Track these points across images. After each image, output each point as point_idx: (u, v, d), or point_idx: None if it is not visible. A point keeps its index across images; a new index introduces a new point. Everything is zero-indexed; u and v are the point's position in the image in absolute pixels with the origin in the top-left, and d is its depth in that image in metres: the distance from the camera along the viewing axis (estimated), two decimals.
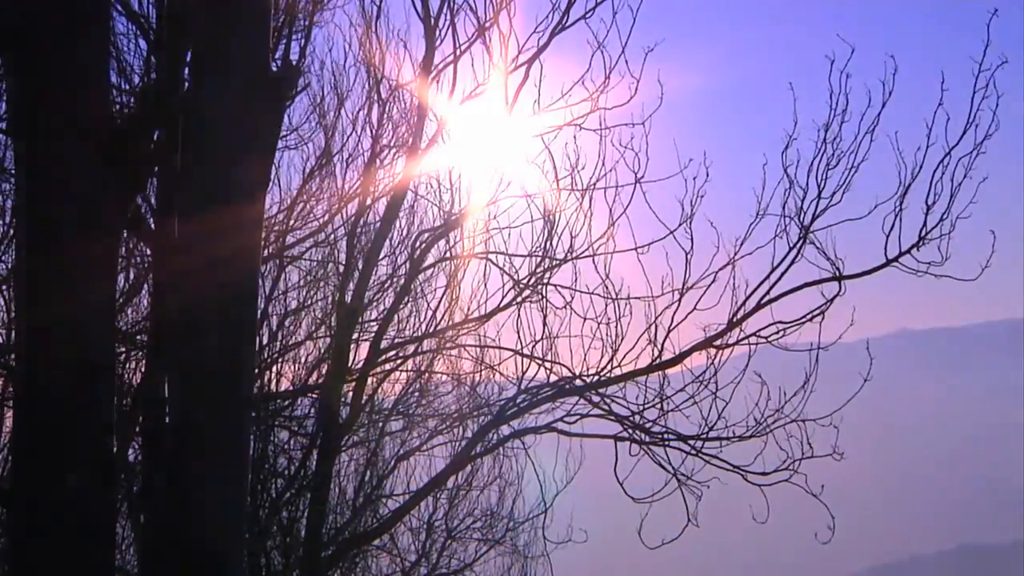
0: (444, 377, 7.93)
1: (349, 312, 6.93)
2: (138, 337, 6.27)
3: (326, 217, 7.63)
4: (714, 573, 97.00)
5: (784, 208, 6.32)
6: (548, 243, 6.90)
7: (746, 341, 6.43)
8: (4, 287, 6.11)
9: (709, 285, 6.42)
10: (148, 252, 6.07)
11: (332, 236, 7.67)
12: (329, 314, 7.69)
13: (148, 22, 5.71)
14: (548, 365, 6.93)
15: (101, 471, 3.57)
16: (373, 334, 7.14)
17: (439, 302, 7.35)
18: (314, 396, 7.65)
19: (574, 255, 6.80)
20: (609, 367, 6.64)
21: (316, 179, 7.57)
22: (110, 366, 3.82)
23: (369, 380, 7.21)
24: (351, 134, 7.45)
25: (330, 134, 7.50)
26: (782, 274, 6.36)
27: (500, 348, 7.29)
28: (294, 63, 4.15)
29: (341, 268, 7.39)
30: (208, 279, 3.58)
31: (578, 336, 6.72)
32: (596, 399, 6.70)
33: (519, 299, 7.03)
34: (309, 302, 7.83)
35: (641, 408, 6.59)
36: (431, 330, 7.40)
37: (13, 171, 4.16)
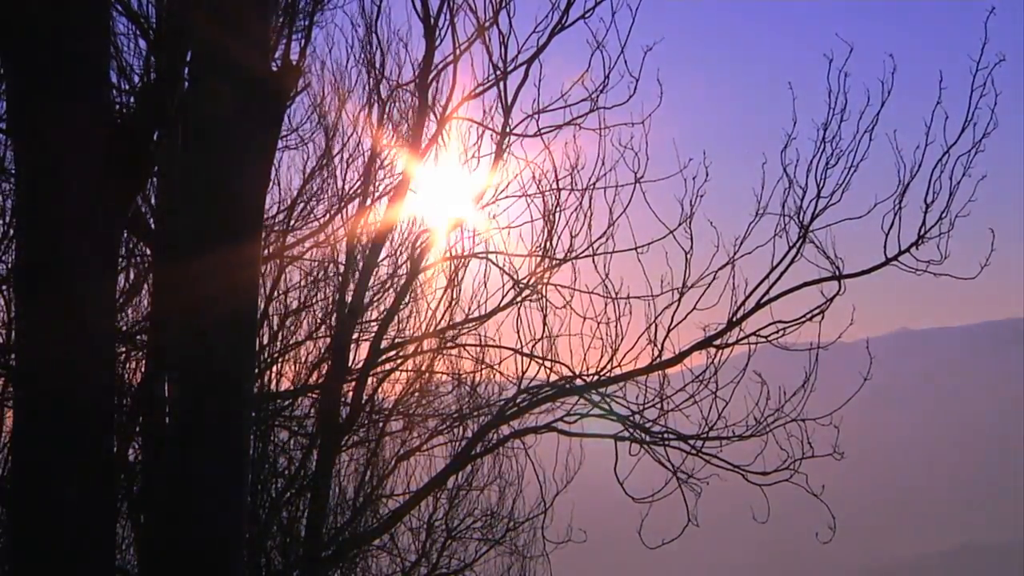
0: (444, 377, 7.93)
1: (349, 312, 6.93)
2: (138, 337, 6.27)
3: (326, 217, 7.64)
4: (714, 573, 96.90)
5: (783, 207, 6.34)
6: (548, 243, 6.90)
7: (746, 341, 6.44)
8: (4, 287, 6.11)
9: (709, 285, 6.43)
10: (148, 252, 6.07)
11: (332, 236, 7.67)
12: (329, 314, 7.69)
13: (148, 22, 5.71)
14: (548, 365, 6.93)
15: (101, 471, 3.58)
16: (373, 334, 7.14)
17: (439, 302, 7.35)
18: (314, 396, 7.64)
19: (574, 255, 6.80)
20: (609, 367, 6.64)
21: (316, 179, 7.58)
22: (110, 366, 3.82)
23: (369, 380, 7.21)
24: (352, 134, 7.47)
25: (331, 134, 7.50)
26: (782, 273, 6.36)
27: (500, 348, 7.29)
28: (294, 63, 4.15)
29: (341, 268, 7.39)
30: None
31: (578, 336, 6.73)
32: (596, 399, 6.70)
33: (519, 299, 7.03)
34: (309, 302, 7.83)
35: (641, 408, 6.59)
36: (431, 330, 7.39)
37: (13, 171, 4.16)
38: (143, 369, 5.98)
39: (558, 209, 6.84)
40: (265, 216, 6.35)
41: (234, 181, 3.66)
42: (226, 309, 3.62)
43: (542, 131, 6.72)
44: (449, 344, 7.61)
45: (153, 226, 5.58)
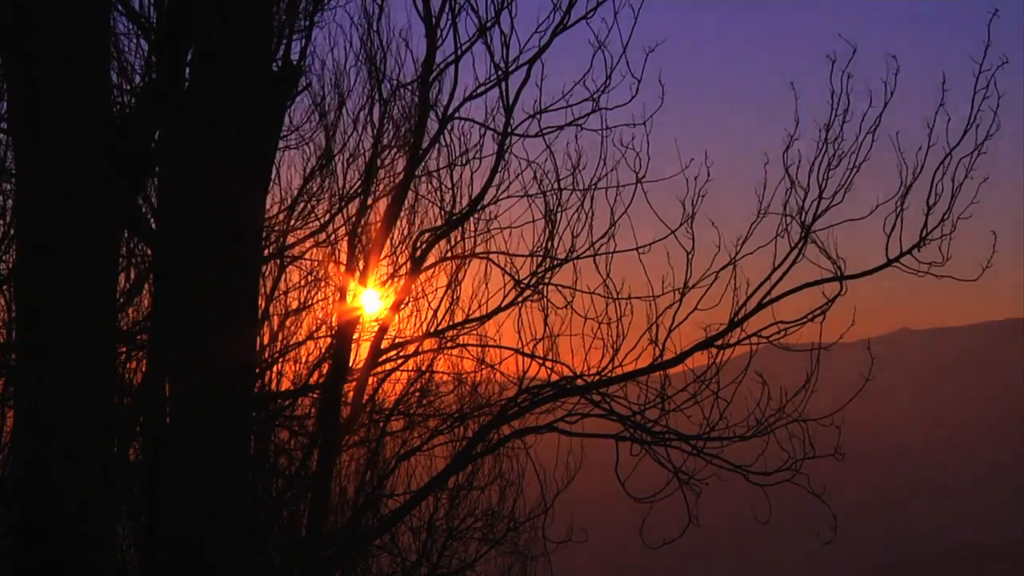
0: (445, 377, 7.92)
1: (350, 312, 6.92)
2: (138, 337, 6.26)
3: (327, 217, 7.63)
4: (714, 573, 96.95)
5: (785, 208, 6.34)
6: (549, 243, 6.90)
7: (747, 341, 6.43)
8: (4, 287, 6.11)
9: (710, 285, 6.43)
10: (148, 252, 6.07)
11: (333, 236, 7.67)
12: (330, 314, 7.68)
13: (149, 22, 5.70)
14: (549, 365, 6.92)
15: (101, 471, 3.57)
16: (374, 334, 7.13)
17: (440, 302, 7.34)
18: (315, 396, 7.64)
19: (575, 255, 6.80)
20: (610, 367, 6.63)
21: (317, 179, 7.57)
22: (110, 365, 3.82)
23: (370, 380, 7.20)
24: (352, 134, 7.46)
25: (331, 134, 7.50)
26: (783, 274, 6.36)
27: (501, 348, 7.28)
28: (294, 63, 4.15)
29: (342, 268, 7.39)
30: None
31: (579, 336, 6.72)
32: (597, 399, 6.69)
33: (520, 299, 7.02)
34: (310, 302, 7.83)
35: (642, 408, 6.58)
36: (432, 330, 7.38)
37: (13, 171, 4.15)
38: (143, 369, 5.97)
39: (559, 209, 6.85)
40: (265, 216, 6.35)
41: (234, 183, 3.65)
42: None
43: (544, 131, 6.71)
44: (450, 344, 7.60)
45: (153, 226, 5.57)
